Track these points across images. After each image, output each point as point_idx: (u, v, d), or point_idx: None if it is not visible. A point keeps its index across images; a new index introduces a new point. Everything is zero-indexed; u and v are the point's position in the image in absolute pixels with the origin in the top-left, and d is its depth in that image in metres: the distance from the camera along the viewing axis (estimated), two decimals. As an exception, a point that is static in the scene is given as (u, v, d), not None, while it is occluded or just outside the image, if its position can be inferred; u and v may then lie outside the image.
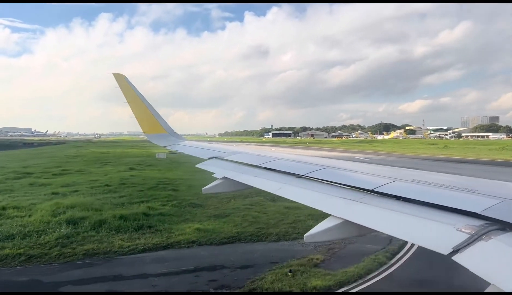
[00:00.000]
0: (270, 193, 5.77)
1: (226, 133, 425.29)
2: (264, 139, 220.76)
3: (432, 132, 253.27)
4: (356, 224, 3.79)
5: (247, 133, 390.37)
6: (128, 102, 10.57)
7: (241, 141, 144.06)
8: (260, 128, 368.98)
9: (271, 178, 6.14)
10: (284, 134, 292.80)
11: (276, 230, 17.49)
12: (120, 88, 10.54)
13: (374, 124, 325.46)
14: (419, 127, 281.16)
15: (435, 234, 3.15)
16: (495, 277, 2.39)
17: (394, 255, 14.35)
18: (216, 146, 10.19)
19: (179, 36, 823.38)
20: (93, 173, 37.02)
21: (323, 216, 4.27)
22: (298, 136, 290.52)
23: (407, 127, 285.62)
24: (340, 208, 4.18)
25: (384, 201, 4.06)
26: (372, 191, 4.31)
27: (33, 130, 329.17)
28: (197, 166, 8.26)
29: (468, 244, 2.75)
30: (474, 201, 3.44)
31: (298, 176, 5.67)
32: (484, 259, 2.60)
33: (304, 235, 3.97)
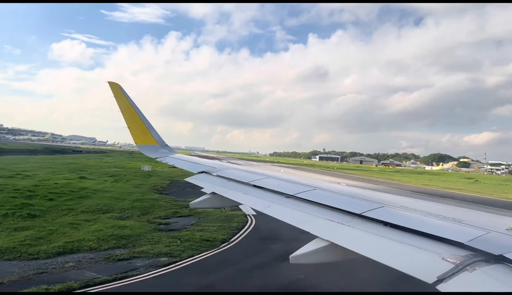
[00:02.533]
0: None
1: (275, 154, 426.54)
2: (305, 162, 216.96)
3: (486, 166, 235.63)
4: (342, 247, 3.74)
5: (295, 155, 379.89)
6: (121, 112, 10.53)
7: (277, 162, 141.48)
8: (311, 150, 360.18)
9: (260, 196, 6.08)
10: (331, 159, 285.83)
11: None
12: (115, 97, 10.53)
13: (428, 155, 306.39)
14: (478, 161, 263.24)
15: (420, 262, 3.14)
16: None
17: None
18: (207, 161, 10.06)
19: (242, 56, 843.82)
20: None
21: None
22: (346, 161, 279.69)
23: (461, 160, 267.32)
24: (327, 230, 4.16)
25: (371, 225, 4.05)
26: (360, 215, 4.32)
27: (96, 139, 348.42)
28: (187, 179, 8.21)
29: (453, 274, 2.77)
30: (460, 231, 3.47)
31: (287, 196, 5.66)
32: (467, 290, 2.62)
33: (290, 256, 3.86)
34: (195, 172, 8.64)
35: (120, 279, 11.05)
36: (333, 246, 3.86)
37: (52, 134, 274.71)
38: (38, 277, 10.76)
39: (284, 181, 6.81)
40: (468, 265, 2.85)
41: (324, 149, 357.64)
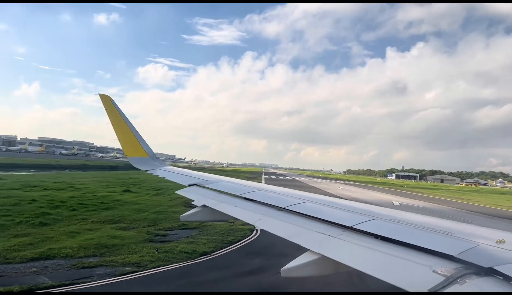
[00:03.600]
0: None
1: (349, 172, 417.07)
2: (378, 180, 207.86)
3: None
4: (334, 260, 3.77)
5: (370, 173, 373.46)
6: (111, 124, 10.74)
7: (345, 179, 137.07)
8: (387, 168, 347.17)
9: (251, 208, 6.09)
10: (408, 177, 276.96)
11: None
12: (105, 109, 10.72)
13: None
14: None
15: (411, 275, 3.18)
16: None
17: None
18: (198, 174, 10.11)
19: (317, 72, 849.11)
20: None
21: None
22: (425, 180, 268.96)
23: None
24: (318, 243, 4.18)
25: (362, 238, 4.07)
26: (351, 228, 4.35)
27: (175, 157, 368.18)
28: (177, 192, 8.30)
29: (443, 287, 2.81)
30: (450, 244, 3.49)
31: (278, 208, 5.70)
32: None
33: (281, 269, 3.88)
34: (186, 185, 8.68)
35: (67, 285, 11.27)
36: (324, 259, 3.87)
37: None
38: None
39: (276, 193, 6.89)
40: (458, 277, 2.87)
41: (402, 167, 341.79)
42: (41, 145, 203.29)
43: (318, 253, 3.96)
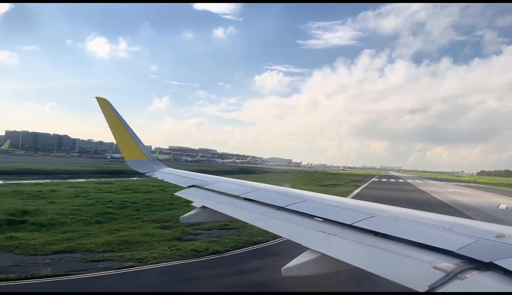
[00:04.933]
0: None
1: (482, 173, 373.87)
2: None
3: None
4: (334, 258, 3.78)
5: (508, 174, 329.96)
6: (109, 127, 10.97)
7: (473, 181, 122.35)
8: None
9: (251, 209, 6.16)
10: None
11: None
12: (102, 112, 10.91)
13: None
14: None
15: (412, 271, 3.16)
16: None
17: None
18: (197, 175, 10.13)
19: (444, 65, 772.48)
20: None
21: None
22: None
23: None
24: (318, 242, 4.20)
25: (362, 236, 4.08)
26: (350, 226, 4.35)
27: (291, 161, 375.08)
28: (176, 194, 8.48)
29: (444, 282, 2.79)
30: (450, 239, 3.49)
31: (278, 208, 5.73)
32: None
33: (282, 268, 3.94)
34: (185, 186, 8.80)
35: (62, 275, 12.42)
36: (324, 258, 3.88)
37: (253, 157, 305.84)
38: (9, 268, 13.08)
39: (275, 193, 6.92)
40: (459, 273, 2.86)
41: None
42: (169, 153, 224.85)
43: (318, 252, 3.96)
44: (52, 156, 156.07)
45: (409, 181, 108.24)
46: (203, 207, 6.88)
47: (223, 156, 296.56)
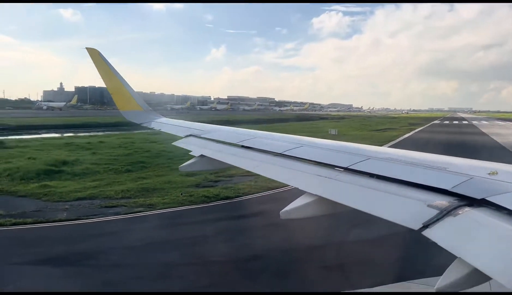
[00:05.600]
0: None
1: None
2: None
3: None
4: (331, 200, 3.88)
5: None
6: (102, 78, 10.80)
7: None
8: None
9: (248, 156, 6.23)
10: None
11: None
12: (94, 63, 10.69)
13: None
14: None
15: (406, 210, 3.27)
16: (462, 251, 2.56)
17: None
18: (194, 124, 10.11)
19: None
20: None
21: None
22: None
23: None
24: (315, 185, 4.31)
25: (358, 178, 4.19)
26: (346, 169, 4.46)
27: (352, 106, 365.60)
28: (174, 143, 8.39)
29: (437, 220, 2.91)
30: (444, 178, 3.60)
31: (275, 154, 5.81)
32: (452, 233, 2.77)
33: (280, 212, 3.99)
34: (183, 136, 8.76)
35: (74, 220, 13.38)
36: (321, 200, 3.97)
37: (311, 104, 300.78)
38: (31, 213, 14.19)
39: (273, 139, 6.95)
40: (452, 210, 2.97)
41: None
42: (227, 103, 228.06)
43: (315, 195, 4.00)
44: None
45: (474, 122, 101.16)
46: (202, 156, 6.86)
47: (280, 104, 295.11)
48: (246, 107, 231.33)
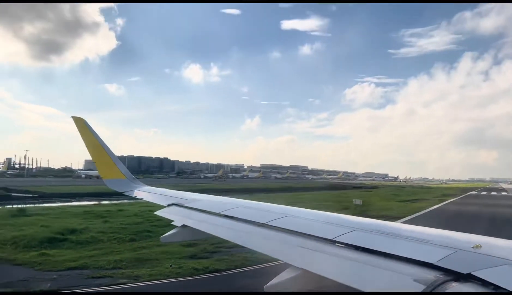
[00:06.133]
0: None
1: None
2: None
3: None
4: (316, 274, 3.84)
5: None
6: (86, 146, 11.00)
7: None
8: None
9: (231, 226, 6.18)
10: None
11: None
12: (79, 132, 10.87)
13: None
14: None
15: (393, 285, 3.23)
16: None
17: None
18: (178, 193, 10.21)
19: None
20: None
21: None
22: None
23: None
24: (300, 258, 4.25)
25: (343, 251, 4.15)
26: (331, 241, 4.41)
27: (387, 175, 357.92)
28: (156, 213, 8.39)
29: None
30: (429, 252, 3.60)
31: (259, 224, 5.74)
32: None
33: (265, 286, 3.96)
34: (165, 205, 8.73)
35: (51, 291, 13.24)
36: (307, 274, 3.91)
37: (345, 172, 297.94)
38: (16, 282, 14.11)
39: (256, 209, 6.90)
40: (438, 285, 2.96)
41: None
42: (259, 171, 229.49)
43: (300, 268, 3.98)
44: (151, 177, 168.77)
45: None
46: (184, 226, 6.84)
47: (313, 172, 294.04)
48: (278, 176, 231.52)
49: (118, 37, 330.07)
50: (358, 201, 50.01)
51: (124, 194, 11.02)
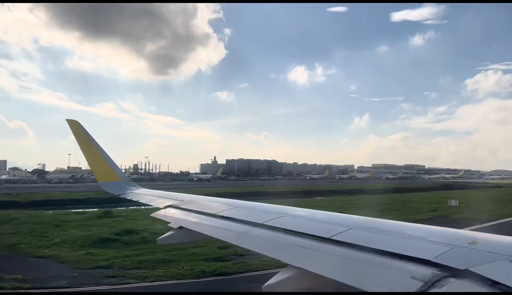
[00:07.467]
0: None
1: None
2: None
3: None
4: (313, 273, 3.81)
5: None
6: (81, 149, 10.95)
7: None
8: None
9: (229, 227, 6.13)
10: None
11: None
12: (73, 134, 10.84)
13: None
14: None
15: (390, 282, 3.23)
16: None
17: None
18: (174, 194, 10.24)
19: None
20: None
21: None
22: None
23: None
24: (297, 257, 4.22)
25: (340, 249, 4.11)
26: (328, 239, 4.37)
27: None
28: (152, 215, 8.43)
29: (422, 292, 2.89)
30: (426, 249, 3.58)
31: (256, 225, 5.73)
32: None
33: (263, 286, 3.98)
34: (161, 207, 8.80)
35: (64, 288, 14.08)
36: (304, 273, 3.88)
37: (467, 171, 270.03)
38: (43, 278, 15.20)
39: (253, 210, 6.91)
40: (436, 281, 2.96)
41: None
42: (368, 171, 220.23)
43: (298, 267, 3.98)
44: (258, 179, 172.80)
45: None
46: (180, 227, 6.91)
47: (430, 171, 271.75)
48: (390, 176, 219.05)
49: (226, 47, 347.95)
50: (453, 202, 44.74)
51: (120, 196, 11.05)
